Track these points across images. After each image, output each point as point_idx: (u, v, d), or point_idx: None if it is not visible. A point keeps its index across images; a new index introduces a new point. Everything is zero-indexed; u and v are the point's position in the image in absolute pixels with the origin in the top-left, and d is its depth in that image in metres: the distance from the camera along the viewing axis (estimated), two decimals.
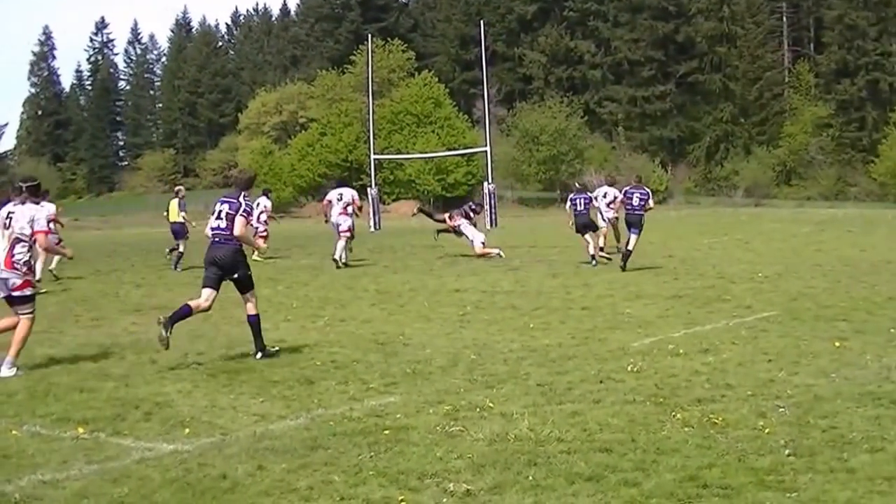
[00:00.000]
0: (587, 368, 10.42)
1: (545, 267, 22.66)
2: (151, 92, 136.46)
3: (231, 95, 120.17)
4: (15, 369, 10.96)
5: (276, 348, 12.04)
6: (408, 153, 72.01)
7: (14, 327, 11.30)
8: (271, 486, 6.69)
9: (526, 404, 8.83)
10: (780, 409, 8.40)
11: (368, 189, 51.87)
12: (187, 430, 8.23)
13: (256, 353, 11.68)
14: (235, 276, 11.77)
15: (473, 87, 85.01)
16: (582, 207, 23.66)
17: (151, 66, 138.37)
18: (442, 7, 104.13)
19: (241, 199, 11.80)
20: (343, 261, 24.24)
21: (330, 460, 7.23)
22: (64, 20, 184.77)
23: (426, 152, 70.23)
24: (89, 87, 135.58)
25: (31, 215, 11.23)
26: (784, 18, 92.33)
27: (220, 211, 11.82)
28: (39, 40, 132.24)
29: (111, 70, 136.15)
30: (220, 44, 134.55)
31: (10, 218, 11.27)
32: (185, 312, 11.62)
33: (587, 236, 23.46)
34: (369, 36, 62.41)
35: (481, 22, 57.92)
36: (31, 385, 10.18)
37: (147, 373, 10.82)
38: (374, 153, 56.21)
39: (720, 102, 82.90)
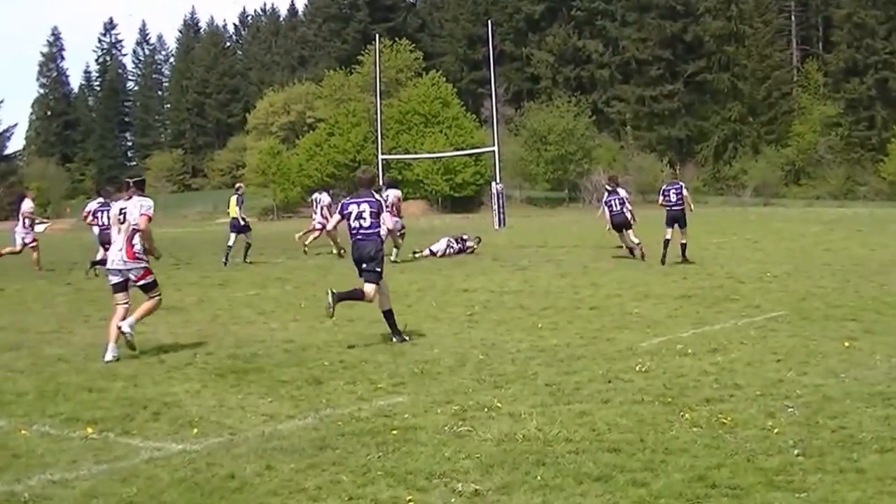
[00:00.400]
0: (595, 368, 10.41)
1: (553, 267, 22.64)
2: (160, 92, 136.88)
3: (239, 96, 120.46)
4: (131, 330, 11.93)
5: (408, 338, 12.69)
6: (416, 153, 72.05)
7: (152, 309, 12.65)
8: (280, 485, 6.69)
9: (534, 404, 8.82)
10: (789, 409, 8.38)
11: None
12: (196, 430, 8.23)
13: (393, 337, 12.64)
14: (367, 265, 12.77)
15: (481, 87, 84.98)
16: (617, 208, 24.20)
17: (160, 66, 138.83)
18: (449, 7, 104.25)
19: (376, 197, 13.05)
20: (393, 258, 24.86)
21: (338, 460, 7.22)
22: (72, 21, 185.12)
23: (434, 152, 70.25)
24: (98, 88, 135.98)
25: (141, 204, 12.24)
26: (792, 17, 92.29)
27: (361, 211, 12.81)
28: (48, 41, 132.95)
29: (119, 71, 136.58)
30: (228, 44, 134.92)
31: (124, 213, 12.29)
32: (357, 296, 12.78)
33: (625, 233, 24.00)
34: (377, 36, 62.44)
35: (489, 21, 57.97)
36: (41, 385, 10.20)
37: (156, 373, 10.83)
38: (382, 153, 56.20)
39: (728, 102, 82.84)
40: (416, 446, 7.54)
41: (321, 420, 8.50)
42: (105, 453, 7.60)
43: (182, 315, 15.97)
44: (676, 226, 22.72)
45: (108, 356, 11.67)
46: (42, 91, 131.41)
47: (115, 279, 12.34)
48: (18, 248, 26.37)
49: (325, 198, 29.28)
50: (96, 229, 25.10)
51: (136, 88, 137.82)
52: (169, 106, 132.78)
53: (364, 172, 13.85)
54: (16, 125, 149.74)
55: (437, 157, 70.19)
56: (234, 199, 27.10)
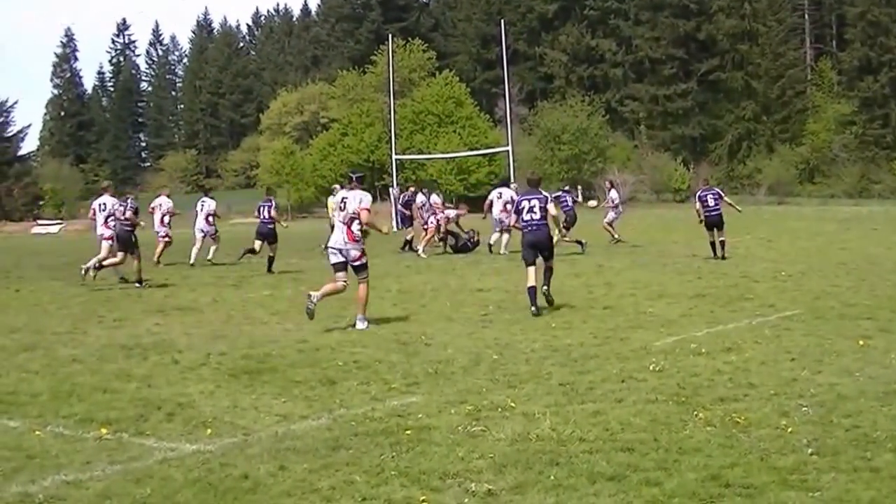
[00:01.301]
0: (609, 368, 10.39)
1: (567, 266, 22.60)
2: (173, 93, 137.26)
3: (252, 96, 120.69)
4: (367, 323, 13.95)
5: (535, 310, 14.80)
6: (429, 153, 72.07)
7: (336, 292, 14.26)
8: (293, 486, 6.70)
9: (548, 404, 8.81)
10: (804, 409, 8.35)
11: (390, 189, 51.93)
12: (209, 431, 8.24)
13: (546, 289, 15.33)
14: (546, 252, 15.46)
15: (495, 87, 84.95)
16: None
17: (173, 67, 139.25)
18: (462, 6, 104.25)
19: (544, 194, 15.77)
20: (502, 252, 26.80)
21: (352, 460, 7.23)
22: (86, 22, 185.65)
23: (448, 152, 70.26)
24: (111, 89, 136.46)
25: (360, 198, 14.02)
26: (806, 15, 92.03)
27: (533, 206, 15.44)
28: (62, 42, 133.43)
29: (133, 71, 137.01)
30: (242, 44, 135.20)
31: (344, 202, 14.13)
32: (532, 293, 15.04)
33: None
34: (390, 36, 62.55)
35: (502, 21, 58.06)
36: (55, 386, 10.23)
37: (170, 373, 10.85)
38: (396, 153, 56.28)
39: (742, 100, 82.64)
40: (429, 446, 7.54)
41: (335, 420, 8.51)
42: (119, 454, 7.62)
43: (196, 315, 16.00)
44: (715, 228, 23.61)
45: (360, 325, 13.87)
46: (56, 92, 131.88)
47: (335, 259, 14.20)
48: (162, 244, 26.22)
49: (434, 198, 30.05)
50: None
51: (149, 89, 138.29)
52: (182, 106, 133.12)
53: (533, 174, 16.70)
54: (29, 126, 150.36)
55: (450, 157, 70.19)
56: (332, 199, 26.40)
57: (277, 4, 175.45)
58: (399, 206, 33.83)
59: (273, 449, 7.60)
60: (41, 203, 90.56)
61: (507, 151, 52.37)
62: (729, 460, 6.91)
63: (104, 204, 22.50)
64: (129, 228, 21.11)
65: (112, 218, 21.90)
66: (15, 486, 6.83)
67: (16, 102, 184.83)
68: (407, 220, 31.87)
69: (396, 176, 55.30)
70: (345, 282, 14.16)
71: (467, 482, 6.63)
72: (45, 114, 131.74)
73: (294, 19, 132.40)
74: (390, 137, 58.32)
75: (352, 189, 14.32)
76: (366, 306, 14.12)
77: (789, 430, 7.66)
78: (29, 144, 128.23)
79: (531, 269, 15.18)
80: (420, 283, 20.09)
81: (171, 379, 10.53)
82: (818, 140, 77.95)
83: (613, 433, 7.74)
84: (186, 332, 14.10)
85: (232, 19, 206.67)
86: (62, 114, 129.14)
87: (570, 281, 19.54)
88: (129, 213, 21.19)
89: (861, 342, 11.37)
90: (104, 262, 21.61)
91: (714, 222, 23.67)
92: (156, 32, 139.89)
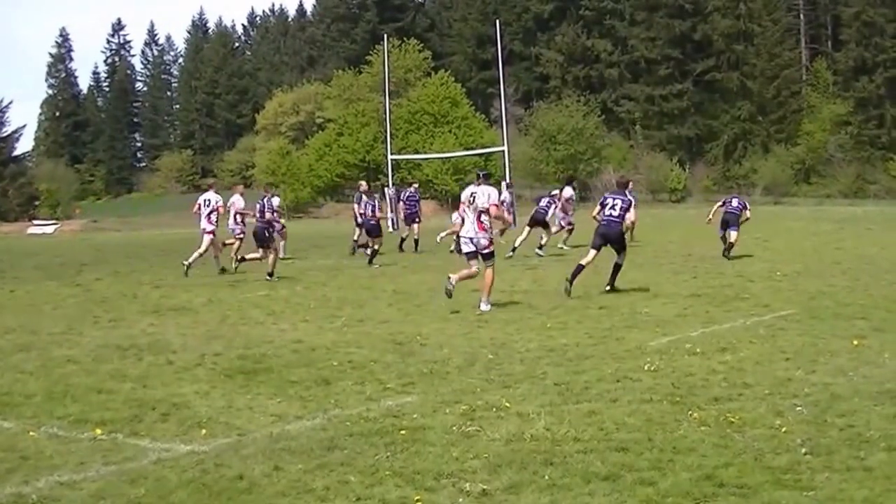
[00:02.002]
0: (604, 368, 10.41)
1: (563, 266, 22.58)
2: (169, 93, 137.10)
3: (248, 96, 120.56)
4: (489, 306, 15.51)
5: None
6: (425, 153, 71.98)
7: (470, 276, 15.91)
8: (288, 486, 6.70)
9: (543, 404, 8.82)
10: (798, 408, 8.37)
11: (386, 189, 51.92)
12: (204, 431, 8.25)
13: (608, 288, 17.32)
14: (617, 245, 17.46)
15: (490, 87, 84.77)
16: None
17: (168, 67, 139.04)
18: (458, 6, 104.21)
19: (628, 196, 17.77)
20: (564, 246, 28.29)
21: (346, 461, 7.23)
22: (81, 22, 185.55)
23: (443, 152, 70.16)
24: (107, 89, 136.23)
25: (489, 193, 15.84)
26: (801, 16, 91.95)
27: (615, 204, 17.48)
28: (57, 42, 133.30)
29: (128, 71, 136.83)
30: (237, 45, 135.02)
31: (474, 196, 15.83)
32: (579, 269, 17.04)
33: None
34: (385, 36, 62.45)
35: (497, 21, 57.84)
36: (49, 386, 10.23)
37: (164, 374, 10.85)
38: (392, 153, 56.17)
39: (738, 101, 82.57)
40: (424, 446, 7.55)
41: (330, 420, 8.51)
42: (113, 454, 7.62)
43: (191, 316, 16.00)
44: (730, 229, 24.05)
45: (484, 307, 15.49)
46: (51, 92, 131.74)
47: (467, 248, 15.89)
48: (231, 240, 26.00)
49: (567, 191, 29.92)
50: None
51: (145, 89, 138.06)
52: (178, 106, 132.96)
53: (622, 178, 19.81)
54: (25, 126, 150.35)
55: (446, 157, 70.12)
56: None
57: (273, 4, 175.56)
58: (402, 203, 33.56)
59: (268, 449, 7.61)
60: (36, 203, 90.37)
61: (503, 151, 52.27)
62: (723, 460, 6.93)
63: (209, 200, 24.43)
64: (264, 225, 22.23)
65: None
66: (9, 487, 6.83)
67: (10, 103, 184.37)
68: (409, 218, 31.52)
69: (392, 176, 55.22)
70: (477, 268, 15.76)
71: (462, 482, 6.64)
72: (41, 114, 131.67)
73: (289, 19, 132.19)
74: (386, 137, 58.22)
75: (479, 185, 15.99)
76: (490, 291, 15.64)
77: (783, 429, 7.68)
78: (24, 145, 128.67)
79: (593, 251, 17.41)
80: (416, 283, 20.10)
81: (165, 379, 10.53)
82: (814, 140, 77.90)
83: (608, 433, 7.75)
84: (181, 332, 14.11)
85: (227, 19, 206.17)
86: (57, 114, 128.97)
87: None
88: (268, 214, 22.38)
89: (856, 342, 11.39)
90: (246, 256, 22.75)
91: (729, 220, 24.11)
92: (151, 33, 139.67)
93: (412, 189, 33.41)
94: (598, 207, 17.93)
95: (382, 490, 6.54)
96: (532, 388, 9.56)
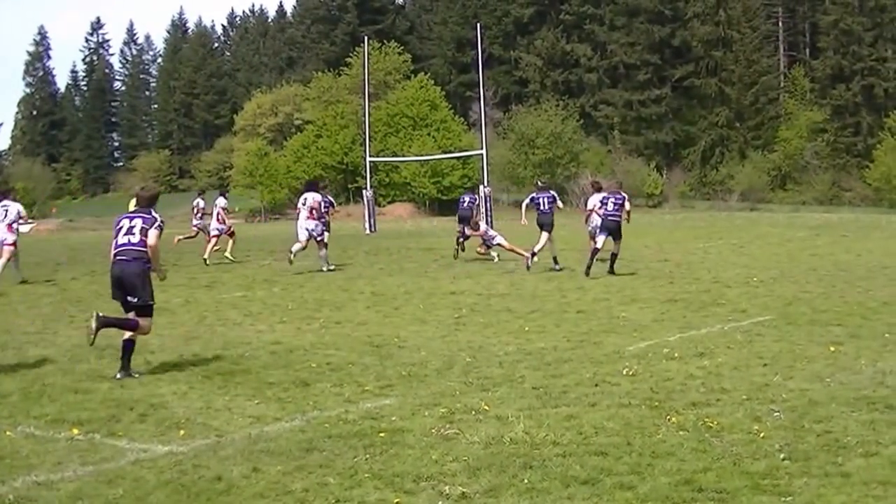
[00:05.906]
0: (582, 372, 10.42)
1: (540, 271, 22.66)
2: (147, 93, 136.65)
3: (227, 97, 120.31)
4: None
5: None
6: (403, 156, 71.97)
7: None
8: (266, 488, 6.69)
9: (521, 407, 8.83)
10: (775, 414, 8.41)
11: (364, 191, 51.88)
12: (182, 432, 8.22)
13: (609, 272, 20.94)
14: (615, 236, 21.18)
15: (469, 90, 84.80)
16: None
17: (147, 66, 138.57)
18: (438, 10, 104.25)
19: (623, 194, 21.52)
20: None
21: (325, 462, 7.22)
22: (59, 20, 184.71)
23: (422, 155, 70.14)
24: (84, 88, 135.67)
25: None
26: (780, 23, 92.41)
27: (616, 202, 21.21)
28: (34, 40, 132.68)
29: (106, 70, 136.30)
30: (216, 45, 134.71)
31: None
32: (595, 252, 21.23)
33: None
34: (365, 38, 62.34)
35: (477, 25, 57.84)
36: (26, 386, 10.17)
37: (142, 374, 10.80)
38: (370, 155, 56.12)
39: (716, 106, 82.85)
40: (403, 449, 7.54)
41: (308, 422, 8.50)
42: (91, 455, 7.58)
43: (169, 316, 15.91)
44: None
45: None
46: (28, 90, 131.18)
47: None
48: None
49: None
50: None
51: (123, 88, 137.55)
52: (156, 106, 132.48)
53: (618, 181, 22.95)
54: (1, 125, 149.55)
55: (424, 160, 70.10)
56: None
57: (252, 5, 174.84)
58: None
59: (246, 450, 7.59)
60: None
61: (482, 155, 52.29)
62: (701, 465, 6.95)
63: (306, 199, 24.64)
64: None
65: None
66: None
67: None
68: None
69: (370, 178, 55.17)
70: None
71: (441, 485, 6.64)
72: (17, 112, 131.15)
73: (269, 20, 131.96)
74: (364, 140, 58.16)
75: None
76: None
77: (761, 434, 7.71)
78: (0, 143, 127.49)
79: (601, 238, 21.21)
80: (393, 286, 20.09)
81: (143, 380, 10.49)
82: (790, 147, 78.26)
83: (587, 437, 7.77)
84: (159, 333, 13.99)
85: (207, 19, 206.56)
86: (34, 112, 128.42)
87: (543, 285, 19.60)
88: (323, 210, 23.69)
89: (832, 348, 11.45)
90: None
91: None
92: (130, 32, 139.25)
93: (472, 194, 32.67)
94: (601, 206, 21.80)
95: (361, 492, 6.54)
96: (511, 391, 9.57)
